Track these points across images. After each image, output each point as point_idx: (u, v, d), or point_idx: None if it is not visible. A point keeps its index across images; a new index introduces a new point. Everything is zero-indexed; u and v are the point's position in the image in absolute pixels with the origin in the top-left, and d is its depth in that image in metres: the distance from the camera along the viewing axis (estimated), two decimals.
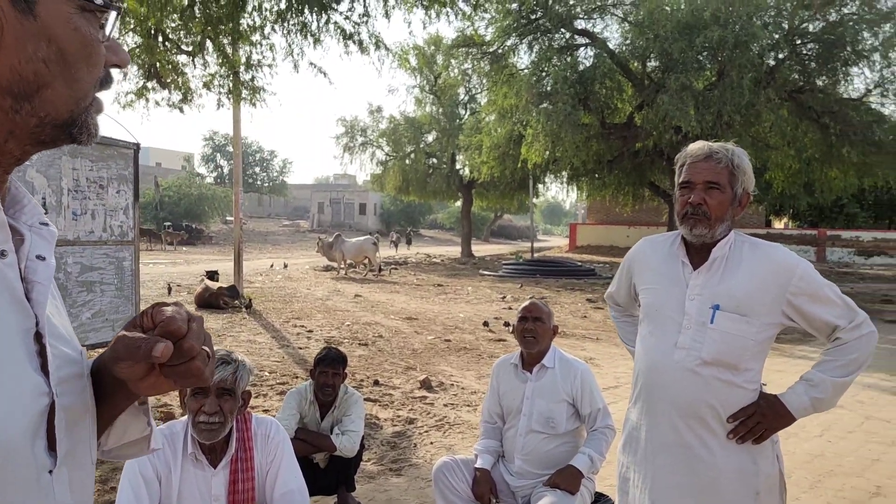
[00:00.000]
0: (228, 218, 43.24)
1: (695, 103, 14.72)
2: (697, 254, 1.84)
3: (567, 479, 2.62)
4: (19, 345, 0.60)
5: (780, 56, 15.57)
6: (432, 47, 25.50)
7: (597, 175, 21.37)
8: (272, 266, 19.67)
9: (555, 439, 2.80)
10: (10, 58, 0.58)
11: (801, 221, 32.98)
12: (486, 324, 9.52)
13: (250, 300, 10.58)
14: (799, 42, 15.51)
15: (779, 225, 35.09)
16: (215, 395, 1.78)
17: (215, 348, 1.80)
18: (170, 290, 12.68)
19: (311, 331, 8.75)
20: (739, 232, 1.87)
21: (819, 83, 15.73)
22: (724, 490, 1.77)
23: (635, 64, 16.78)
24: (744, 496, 1.77)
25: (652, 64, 16.63)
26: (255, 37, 7.15)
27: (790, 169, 17.17)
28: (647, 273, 1.98)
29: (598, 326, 10.02)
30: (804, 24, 15.32)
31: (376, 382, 6.03)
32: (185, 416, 1.89)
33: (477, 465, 2.82)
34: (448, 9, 7.97)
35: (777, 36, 14.91)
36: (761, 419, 1.75)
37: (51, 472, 0.62)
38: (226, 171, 55.98)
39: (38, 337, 0.63)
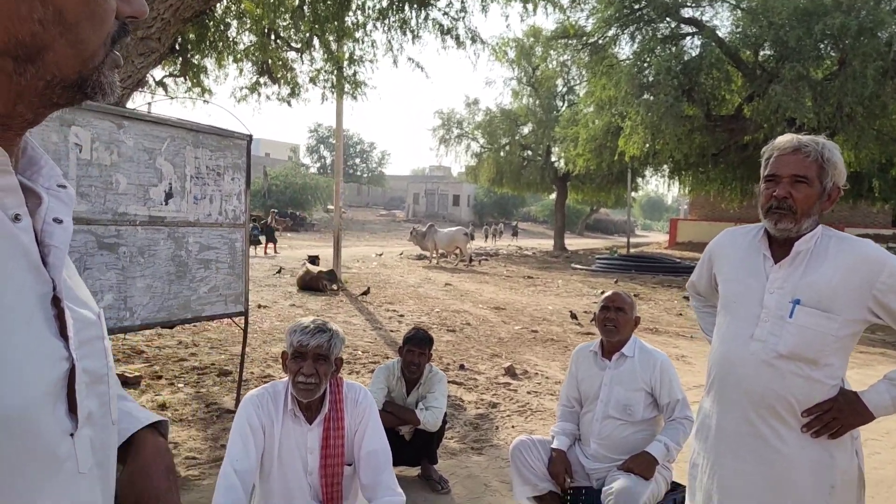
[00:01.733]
0: (329, 206, 45.14)
1: (812, 94, 13.78)
2: (780, 247, 1.82)
3: (641, 464, 2.66)
4: (37, 310, 0.59)
5: None
6: (531, 39, 25.29)
7: (701, 169, 20.46)
8: (376, 255, 20.36)
9: (631, 426, 2.85)
10: (3, 20, 0.54)
11: None
12: (573, 315, 9.48)
13: (368, 288, 11.06)
14: None
15: None
16: (312, 360, 2.00)
17: (315, 319, 2.03)
18: (280, 270, 13.51)
19: (402, 315, 9.10)
20: (828, 227, 1.84)
21: None
22: (798, 482, 1.77)
23: (747, 53, 15.88)
24: (818, 489, 1.76)
25: (765, 53, 15.69)
26: (359, 34, 7.49)
27: None
28: (728, 264, 1.99)
29: (693, 324, 9.69)
30: None
31: (462, 367, 6.22)
32: (286, 378, 2.13)
33: (553, 446, 2.92)
34: (546, 1, 7.97)
35: None
36: (838, 415, 1.73)
37: (72, 434, 0.61)
38: (328, 161, 58.35)
39: (56, 301, 0.61)
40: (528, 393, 5.48)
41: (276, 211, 34.65)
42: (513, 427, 4.62)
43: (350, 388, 2.19)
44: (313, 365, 1.99)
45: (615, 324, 2.91)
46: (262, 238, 19.19)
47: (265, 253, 19.24)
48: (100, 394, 0.67)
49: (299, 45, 8.91)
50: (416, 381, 3.52)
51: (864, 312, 1.74)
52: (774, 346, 1.77)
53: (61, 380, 0.60)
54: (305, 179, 43.61)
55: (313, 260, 13.24)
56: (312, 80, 9.31)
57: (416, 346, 3.44)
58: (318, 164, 60.45)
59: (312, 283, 11.15)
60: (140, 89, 5.10)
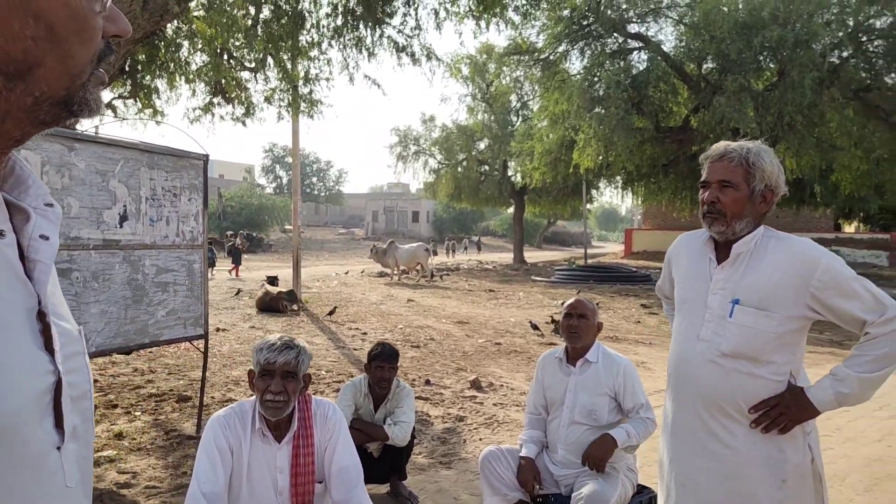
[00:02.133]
0: (287, 227, 44.59)
1: (754, 104, 14.38)
2: (724, 250, 1.89)
3: (601, 446, 2.70)
4: (23, 324, 0.60)
5: (845, 54, 15.03)
6: (484, 56, 25.73)
7: (652, 179, 21.05)
8: (336, 274, 20.19)
9: (597, 431, 2.89)
10: None
11: (872, 225, 31.44)
12: (534, 326, 9.58)
13: (335, 307, 10.91)
14: (865, 39, 14.94)
15: (849, 229, 33.53)
16: (280, 377, 1.98)
17: (282, 336, 2.01)
18: (238, 292, 13.26)
19: (365, 333, 9.03)
20: (770, 228, 1.87)
21: (888, 81, 15.09)
22: (749, 476, 1.81)
23: (691, 66, 16.51)
24: (770, 483, 1.79)
25: (708, 66, 16.33)
26: (314, 52, 7.50)
27: (858, 170, 16.48)
28: (681, 267, 2.07)
29: (652, 331, 9.91)
30: (870, 21, 14.74)
31: (427, 382, 6.21)
32: (253, 397, 2.10)
33: (521, 454, 2.94)
34: (498, 18, 8.14)
35: (841, 34, 14.40)
36: (784, 410, 1.77)
37: (59, 448, 0.62)
38: (284, 181, 57.76)
39: (42, 315, 0.62)
40: (495, 405, 5.51)
41: (231, 233, 34.05)
42: (480, 440, 4.62)
43: (319, 404, 2.17)
44: (281, 382, 1.97)
45: (578, 330, 2.96)
46: (218, 260, 18.91)
47: (236, 275, 19.00)
48: (83, 409, 0.68)
49: (253, 65, 8.85)
50: (383, 397, 3.51)
51: (803, 309, 1.77)
52: (718, 346, 1.83)
53: (48, 393, 0.61)
54: (261, 200, 43.07)
55: (272, 281, 13.05)
56: (267, 100, 9.26)
57: (386, 360, 3.42)
58: (274, 185, 59.78)
59: (272, 304, 10.98)
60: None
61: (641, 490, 2.98)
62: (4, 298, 0.59)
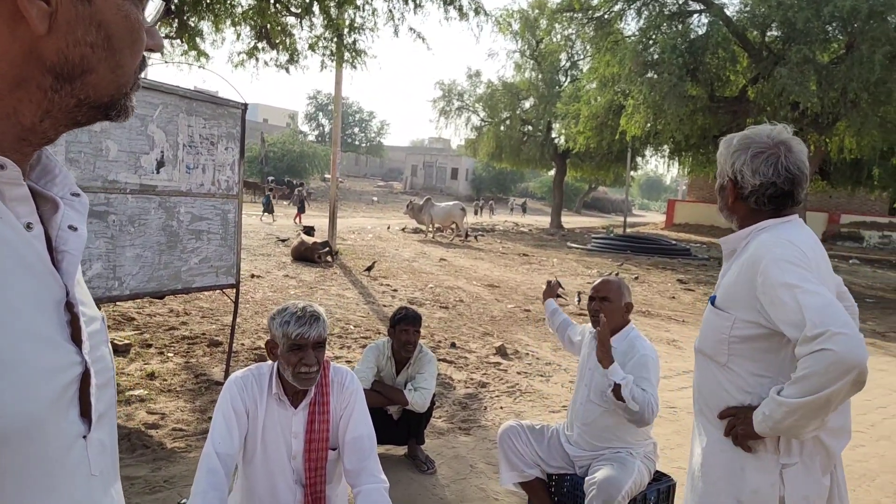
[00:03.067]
0: (327, 175, 44.86)
1: (817, 78, 13.60)
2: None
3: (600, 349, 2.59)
4: (51, 315, 0.61)
5: None
6: (536, 11, 24.88)
7: (701, 150, 20.31)
8: (371, 227, 20.30)
9: (613, 415, 2.81)
10: (59, 41, 0.58)
11: None
12: (558, 295, 9.49)
13: (374, 262, 10.98)
14: None
15: None
16: (312, 349, 1.96)
17: (305, 305, 1.98)
18: (285, 240, 13.35)
19: (395, 290, 9.08)
20: (774, 221, 1.68)
21: None
22: (709, 481, 1.72)
23: (753, 33, 15.64)
24: (726, 496, 1.67)
25: (772, 34, 15.46)
26: (359, 0, 7.31)
27: None
28: None
29: (686, 308, 9.71)
30: None
31: (453, 345, 6.21)
32: (269, 361, 2.09)
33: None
34: None
35: None
36: (736, 422, 1.64)
37: (85, 437, 0.63)
38: (327, 129, 57.82)
39: (69, 306, 0.63)
40: (518, 373, 5.49)
41: (272, 178, 34.43)
42: (501, 408, 4.62)
43: (336, 371, 2.15)
44: (314, 354, 1.96)
45: (600, 313, 2.87)
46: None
47: (300, 221, 19.89)
48: (108, 397, 0.69)
49: (299, 11, 8.71)
50: (405, 361, 3.50)
51: (755, 315, 1.60)
52: (697, 340, 1.83)
53: (73, 384, 0.62)
54: (303, 147, 43.26)
55: (308, 231, 13.16)
56: (312, 47, 9.13)
57: (410, 324, 3.42)
58: (317, 132, 59.90)
59: (307, 254, 11.10)
60: None
61: (660, 477, 2.93)
62: (31, 292, 0.59)
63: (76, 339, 0.62)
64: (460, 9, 7.05)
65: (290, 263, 10.75)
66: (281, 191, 32.59)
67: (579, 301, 9.05)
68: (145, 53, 0.67)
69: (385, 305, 7.90)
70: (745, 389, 1.65)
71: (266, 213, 20.74)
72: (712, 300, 1.75)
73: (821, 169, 20.72)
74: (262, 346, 5.56)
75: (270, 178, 34.49)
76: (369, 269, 10.56)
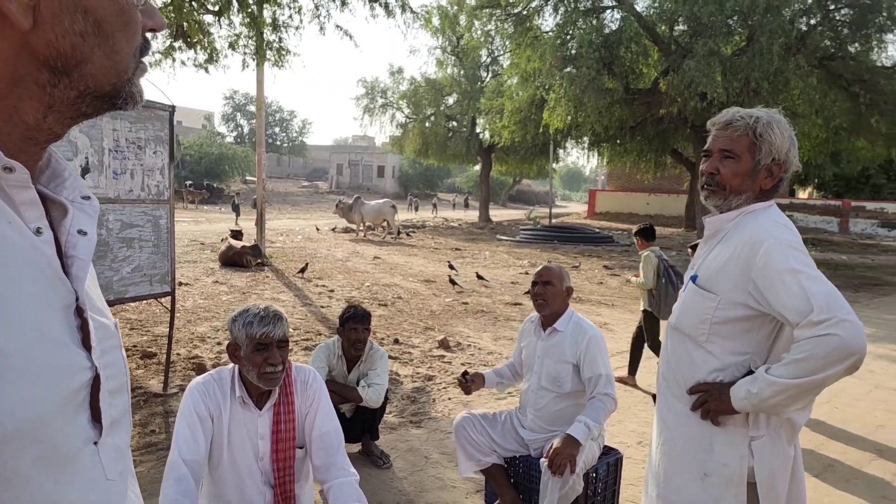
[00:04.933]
0: (248, 177, 43.57)
1: (722, 69, 14.46)
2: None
3: (564, 450, 2.63)
4: (60, 321, 0.60)
5: (812, 21, 15.18)
6: (455, 7, 25.10)
7: (619, 141, 21.17)
8: (300, 229, 19.95)
9: (564, 399, 2.94)
10: (48, 33, 0.56)
11: (825, 192, 32.45)
12: (452, 282, 9.85)
13: (306, 264, 10.77)
14: (832, 7, 15.09)
15: (803, 195, 34.57)
16: (277, 348, 1.96)
17: (266, 306, 1.98)
18: (203, 245, 12.95)
19: (332, 290, 8.99)
20: (763, 205, 1.70)
21: (851, 50, 15.34)
22: (676, 455, 1.75)
23: (662, 28, 16.44)
24: (692, 472, 1.71)
25: (680, 28, 16.29)
26: None
27: (817, 138, 16.88)
28: None
29: (614, 293, 10.13)
30: None
31: (396, 341, 6.24)
32: (231, 365, 2.07)
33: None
34: None
35: (810, 1, 14.51)
36: (708, 398, 1.67)
37: (96, 443, 0.63)
38: (246, 130, 56.11)
39: (80, 312, 0.63)
40: (463, 364, 5.59)
41: (190, 183, 33.11)
42: (449, 399, 4.70)
43: (299, 371, 2.16)
44: (278, 353, 1.96)
45: (544, 297, 2.98)
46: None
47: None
48: (120, 403, 0.69)
49: (217, 8, 8.44)
50: (357, 359, 3.51)
51: (744, 296, 1.61)
52: (672, 318, 1.82)
53: (83, 389, 0.62)
54: (222, 149, 41.82)
55: (236, 235, 12.79)
56: (232, 46, 8.87)
57: (359, 322, 3.42)
58: (235, 133, 57.99)
59: (236, 259, 10.80)
60: None
61: (608, 451, 3.08)
62: (41, 297, 0.59)
63: (86, 343, 0.62)
64: (386, 6, 7.05)
65: (218, 269, 10.43)
66: (201, 195, 31.40)
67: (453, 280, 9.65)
68: (148, 35, 0.65)
69: (323, 306, 7.82)
70: (718, 367, 1.67)
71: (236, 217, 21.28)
72: (693, 279, 1.73)
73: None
74: (198, 356, 5.40)
75: (188, 183, 33.15)
76: (302, 270, 10.39)
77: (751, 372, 1.65)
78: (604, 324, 7.65)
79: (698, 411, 1.70)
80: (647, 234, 5.30)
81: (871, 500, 3.35)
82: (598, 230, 21.35)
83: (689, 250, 5.03)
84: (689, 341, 1.72)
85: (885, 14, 14.25)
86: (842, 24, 15.24)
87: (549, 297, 2.96)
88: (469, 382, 3.06)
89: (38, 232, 0.60)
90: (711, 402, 1.65)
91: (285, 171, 57.68)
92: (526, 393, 3.07)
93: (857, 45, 15.12)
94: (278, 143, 57.49)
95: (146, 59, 0.66)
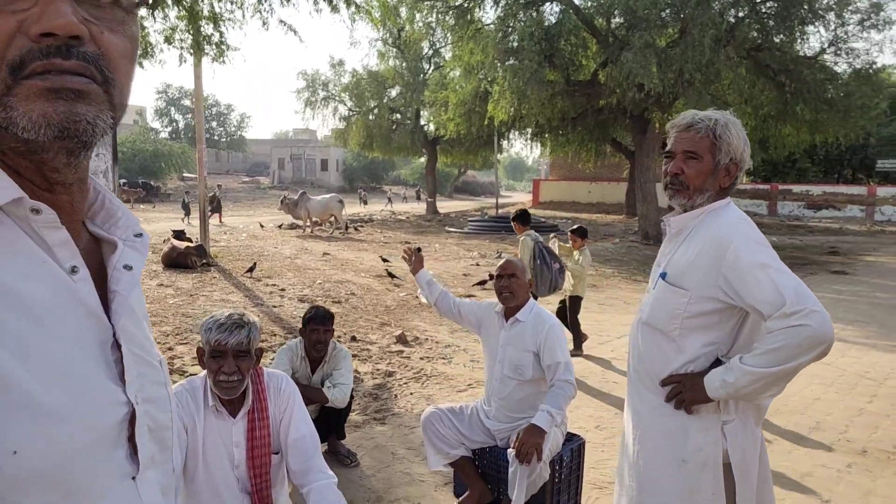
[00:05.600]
0: (186, 175, 42.19)
1: (657, 61, 14.93)
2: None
3: (530, 439, 2.71)
4: (95, 357, 0.60)
5: (740, 14, 15.83)
6: None
7: (561, 132, 21.59)
8: (262, 226, 19.61)
9: (526, 386, 3.03)
10: None
11: (754, 176, 33.99)
12: (390, 274, 10.13)
13: (254, 263, 10.52)
14: (759, 0, 15.78)
15: None
16: (232, 357, 1.94)
17: (231, 312, 1.96)
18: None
19: (283, 289, 8.86)
20: (726, 204, 1.80)
21: (776, 41, 16.10)
22: (651, 447, 1.83)
23: (600, 20, 16.82)
24: (669, 461, 1.78)
25: (616, 21, 16.70)
26: None
27: (747, 126, 17.55)
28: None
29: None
30: None
31: (353, 338, 6.23)
32: (204, 373, 2.05)
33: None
34: None
35: None
36: (682, 388, 1.74)
37: (134, 478, 0.62)
38: (181, 125, 54.30)
39: (117, 347, 0.63)
40: (422, 359, 5.64)
41: (125, 182, 31.81)
42: (411, 394, 4.74)
43: (271, 377, 2.15)
44: (234, 362, 1.94)
45: (510, 290, 3.06)
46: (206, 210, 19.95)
47: (220, 221, 20.46)
48: (162, 439, 0.68)
49: (150, 0, 8.13)
50: (320, 360, 3.50)
51: (715, 291, 1.69)
52: (642, 314, 1.89)
53: (120, 424, 0.61)
54: (156, 146, 40.36)
55: (179, 235, 12.40)
56: (167, 40, 8.57)
57: (321, 323, 3.41)
58: (170, 129, 56.03)
59: (180, 260, 10.47)
60: None
61: (571, 438, 3.19)
62: (75, 333, 0.59)
63: (124, 379, 0.62)
64: (330, 1, 6.96)
65: (162, 271, 10.09)
66: (136, 193, 30.23)
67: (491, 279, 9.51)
68: (46, 41, 0.53)
69: (275, 306, 7.71)
70: (689, 359, 1.75)
71: (185, 216, 20.87)
72: (663, 276, 1.81)
73: (664, 144, 22.84)
74: (178, 358, 5.25)
75: (123, 182, 31.81)
76: (251, 269, 10.18)
77: (718, 361, 1.74)
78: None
79: (672, 402, 1.77)
80: (522, 220, 6.03)
81: (811, 468, 3.59)
82: (543, 220, 21.72)
83: (555, 239, 5.75)
84: (661, 336, 1.80)
85: (806, 7, 15.02)
86: (767, 17, 15.96)
87: (515, 290, 3.05)
88: (413, 255, 3.38)
89: (73, 270, 0.61)
90: (686, 392, 1.73)
91: (224, 166, 56.11)
92: (489, 383, 3.14)
93: (782, 36, 15.87)
94: (216, 137, 55.91)
95: (48, 75, 0.54)
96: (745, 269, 1.64)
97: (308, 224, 17.93)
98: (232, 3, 6.92)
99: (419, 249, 3.34)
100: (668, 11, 15.42)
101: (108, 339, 0.62)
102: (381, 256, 11.90)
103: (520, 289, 3.09)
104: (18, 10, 0.53)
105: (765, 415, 1.84)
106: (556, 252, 5.99)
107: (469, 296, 8.77)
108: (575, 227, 6.22)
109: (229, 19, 7.26)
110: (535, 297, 5.64)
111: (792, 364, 1.59)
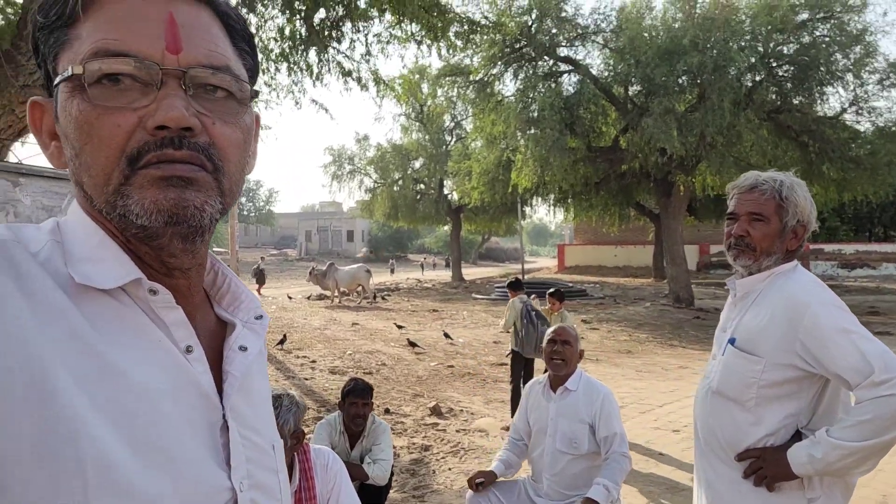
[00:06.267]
0: (216, 248, 43.11)
1: (677, 125, 15.14)
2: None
3: None
4: (204, 439, 0.60)
5: (758, 78, 16.09)
6: (417, 75, 25.93)
7: (584, 197, 21.75)
8: (290, 297, 19.77)
9: (581, 461, 2.92)
10: (70, 165, 0.60)
11: None
12: (412, 343, 9.93)
13: (285, 335, 10.54)
14: (775, 64, 16.06)
15: None
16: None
17: (285, 391, 1.93)
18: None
19: (314, 361, 8.82)
20: (794, 266, 1.76)
21: (796, 103, 16.26)
22: None
23: (618, 89, 17.23)
24: None
25: (634, 88, 17.09)
26: (262, 77, 7.32)
27: None
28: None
29: (596, 347, 10.17)
30: (779, 47, 15.89)
31: (387, 411, 6.12)
32: None
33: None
34: (441, 43, 8.22)
35: (753, 59, 15.43)
36: (763, 464, 1.65)
37: None
38: None
39: (226, 429, 0.62)
40: (458, 431, 5.49)
41: (262, 258, 32.62)
42: (449, 469, 4.59)
43: (318, 454, 2.11)
44: None
45: (562, 356, 3.00)
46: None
47: (259, 293, 20.37)
48: None
49: None
50: (359, 434, 3.43)
51: (792, 357, 1.62)
52: (710, 383, 1.80)
53: None
54: None
55: None
56: None
57: (359, 396, 3.36)
58: None
59: None
60: (23, 139, 4.67)
61: None
62: (186, 417, 0.59)
63: (230, 463, 0.61)
64: (359, 80, 7.26)
65: None
66: None
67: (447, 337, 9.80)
68: (150, 135, 0.57)
69: (307, 378, 7.65)
70: (769, 432, 1.66)
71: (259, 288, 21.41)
72: (732, 341, 1.74)
73: (689, 205, 22.80)
74: None
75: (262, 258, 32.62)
76: (282, 342, 10.19)
77: (798, 433, 1.65)
78: None
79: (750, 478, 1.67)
80: (515, 287, 6.33)
81: None
82: (570, 284, 21.56)
83: (548, 298, 5.86)
84: (735, 405, 1.72)
85: (823, 69, 15.23)
86: (785, 80, 16.20)
87: (568, 357, 3.00)
88: (481, 486, 2.94)
89: (188, 350, 0.61)
90: (767, 468, 1.64)
91: (253, 240, 57.39)
92: (539, 459, 3.02)
93: (801, 98, 16.04)
94: (245, 212, 57.47)
95: (161, 165, 0.57)
96: (825, 334, 1.57)
97: (336, 294, 18.04)
98: (267, 87, 7.24)
99: (482, 482, 2.95)
100: (685, 78, 15.76)
101: (217, 420, 0.62)
102: (395, 323, 11.85)
103: (572, 356, 3.04)
104: (140, 108, 0.58)
105: (853, 491, 1.72)
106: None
107: (502, 364, 8.63)
108: (552, 290, 6.32)
109: (264, 101, 7.58)
110: (524, 357, 5.86)
111: (886, 437, 1.50)
